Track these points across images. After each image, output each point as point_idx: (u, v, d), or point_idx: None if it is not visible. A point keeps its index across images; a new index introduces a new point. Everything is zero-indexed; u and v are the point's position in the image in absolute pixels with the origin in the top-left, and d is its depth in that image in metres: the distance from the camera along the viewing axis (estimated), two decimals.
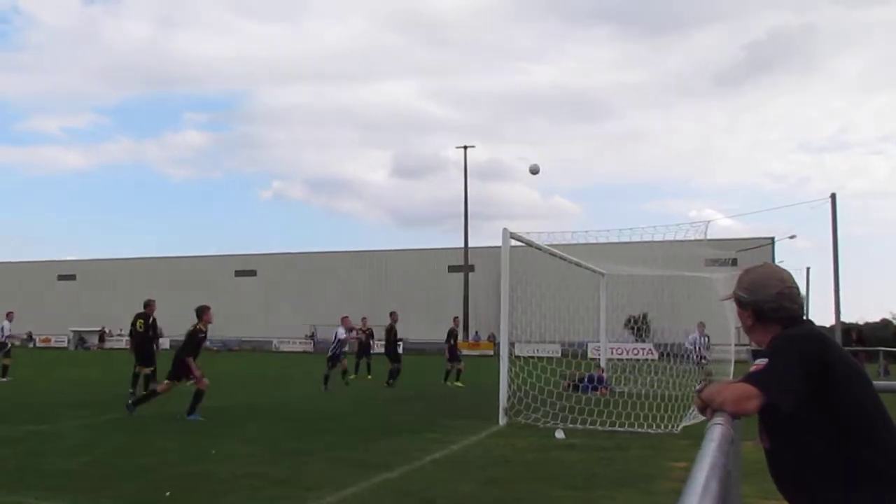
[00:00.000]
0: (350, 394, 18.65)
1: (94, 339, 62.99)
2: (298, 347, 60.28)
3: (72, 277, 79.70)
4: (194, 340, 13.61)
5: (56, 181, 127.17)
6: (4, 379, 20.76)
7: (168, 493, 6.87)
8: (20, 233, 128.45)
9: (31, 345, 65.71)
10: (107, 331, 62.87)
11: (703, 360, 20.28)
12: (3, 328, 22.14)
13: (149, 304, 17.59)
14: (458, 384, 21.12)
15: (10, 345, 22.06)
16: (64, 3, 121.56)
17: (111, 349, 56.99)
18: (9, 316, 22.42)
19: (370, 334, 25.80)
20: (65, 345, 64.73)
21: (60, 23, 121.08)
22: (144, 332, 17.17)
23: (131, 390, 16.84)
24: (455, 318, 25.35)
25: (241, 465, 8.52)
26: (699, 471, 1.33)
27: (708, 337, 20.72)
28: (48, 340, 66.93)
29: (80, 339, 64.64)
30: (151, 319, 17.28)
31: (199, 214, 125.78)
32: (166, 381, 13.41)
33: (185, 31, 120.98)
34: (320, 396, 18.03)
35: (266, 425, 12.32)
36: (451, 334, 23.29)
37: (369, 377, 24.14)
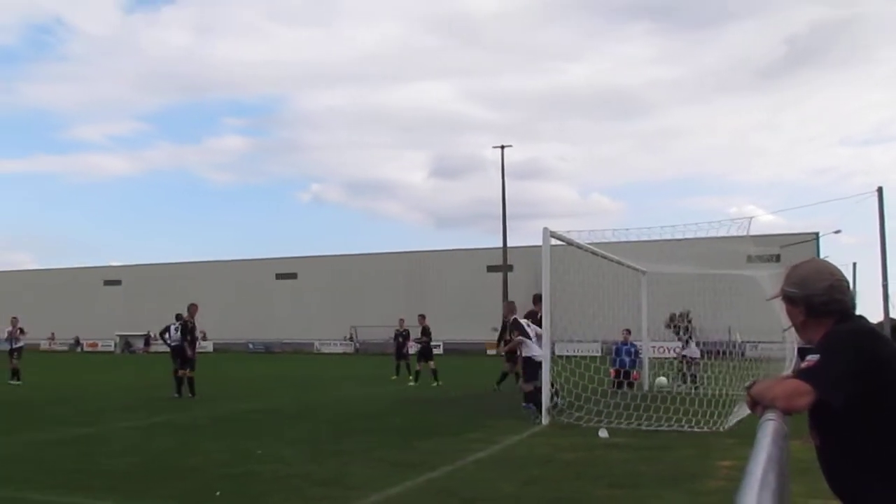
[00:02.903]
0: (391, 394, 18.74)
1: (140, 344, 64.05)
2: (339, 349, 60.70)
3: (117, 283, 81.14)
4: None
5: (100, 188, 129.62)
6: (18, 382, 21.36)
7: (218, 493, 6.97)
8: (67, 239, 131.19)
9: (78, 349, 67.11)
10: (152, 335, 63.88)
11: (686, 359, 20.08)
12: (7, 332, 22.77)
13: (190, 309, 17.86)
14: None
15: (11, 347, 22.60)
16: (104, 14, 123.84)
17: (156, 353, 57.92)
18: (14, 321, 22.89)
19: (407, 335, 25.87)
20: (111, 349, 65.94)
21: (101, 32, 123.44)
22: (185, 336, 17.50)
23: (176, 394, 17.16)
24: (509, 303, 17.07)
25: (286, 465, 8.61)
26: (756, 464, 1.33)
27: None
28: (95, 345, 68.27)
29: (126, 343, 65.81)
30: (191, 324, 17.58)
31: (240, 218, 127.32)
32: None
33: (223, 38, 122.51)
34: (361, 397, 18.14)
35: (309, 426, 12.43)
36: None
37: (410, 377, 24.20)
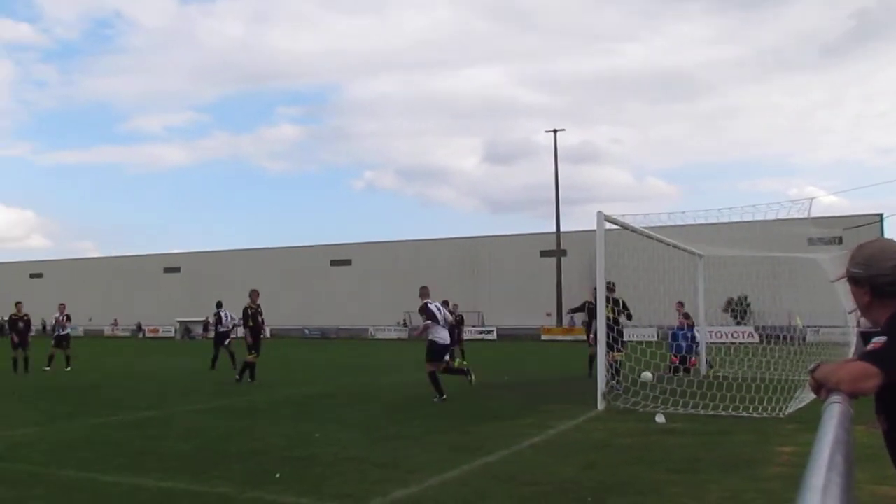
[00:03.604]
0: (446, 380, 18.78)
1: (199, 329, 65.39)
2: (393, 335, 61.13)
3: (176, 270, 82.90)
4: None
5: (160, 177, 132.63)
6: (58, 369, 21.46)
7: (278, 475, 7.12)
8: (128, 228, 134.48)
9: (140, 335, 68.87)
10: (210, 321, 65.23)
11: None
12: (54, 319, 22.85)
13: (252, 295, 18.15)
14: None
15: (56, 334, 22.59)
16: (161, 6, 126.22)
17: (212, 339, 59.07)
18: (61, 308, 22.88)
19: (460, 321, 25.92)
20: (171, 335, 67.48)
21: (158, 25, 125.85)
22: (247, 322, 17.80)
23: (237, 377, 17.52)
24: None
25: (344, 448, 8.74)
26: (822, 446, 1.31)
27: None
28: (156, 331, 69.94)
29: (186, 329, 67.27)
30: (252, 309, 17.85)
31: (295, 206, 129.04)
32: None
33: (276, 28, 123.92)
34: (417, 382, 18.25)
35: (366, 410, 12.58)
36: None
37: (465, 363, 24.26)
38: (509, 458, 8.21)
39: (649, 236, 14.94)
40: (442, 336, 13.83)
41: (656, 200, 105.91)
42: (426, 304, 14.08)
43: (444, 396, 13.47)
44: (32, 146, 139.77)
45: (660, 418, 10.88)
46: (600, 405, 12.17)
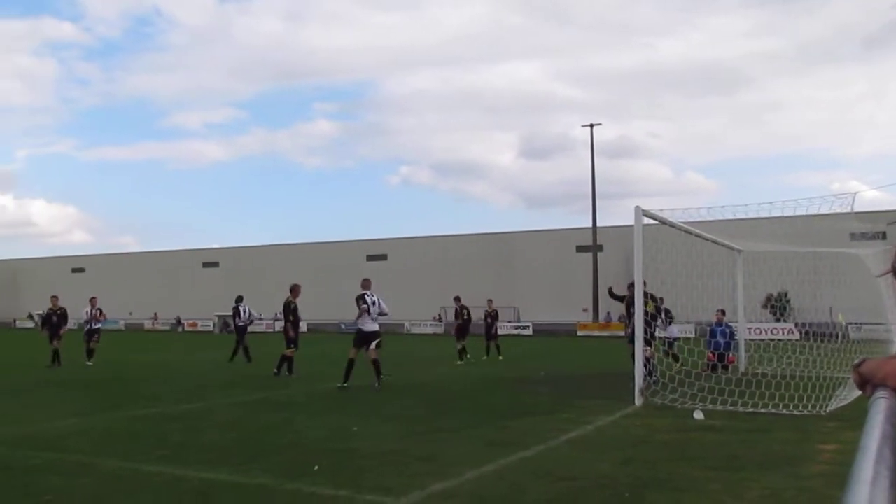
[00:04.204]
0: (481, 374, 18.86)
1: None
2: (429, 330, 61.27)
3: (215, 265, 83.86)
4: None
5: (198, 173, 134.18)
6: (89, 363, 21.50)
7: (316, 468, 7.20)
8: (168, 223, 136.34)
9: (179, 329, 69.84)
10: (258, 315, 65.87)
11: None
12: (85, 313, 22.80)
13: (293, 289, 18.26)
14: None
15: (86, 328, 22.57)
16: (200, 4, 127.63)
17: (253, 333, 59.68)
18: (92, 302, 22.87)
19: (495, 316, 25.93)
20: (210, 329, 68.31)
21: (197, 22, 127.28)
22: (287, 316, 17.99)
23: (275, 370, 17.72)
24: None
25: (383, 442, 8.80)
26: (870, 440, 1.30)
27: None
28: (195, 325, 70.85)
29: (224, 323, 68.01)
30: (290, 303, 18.01)
31: (331, 201, 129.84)
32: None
33: (312, 24, 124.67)
34: (453, 377, 18.32)
35: (403, 404, 12.65)
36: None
37: (500, 358, 24.30)
38: (546, 452, 8.21)
39: (687, 231, 14.80)
40: (367, 325, 14.97)
41: (695, 195, 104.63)
42: (362, 294, 15.15)
43: (346, 385, 14.51)
44: (75, 143, 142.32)
45: (698, 415, 10.79)
46: (637, 401, 12.10)
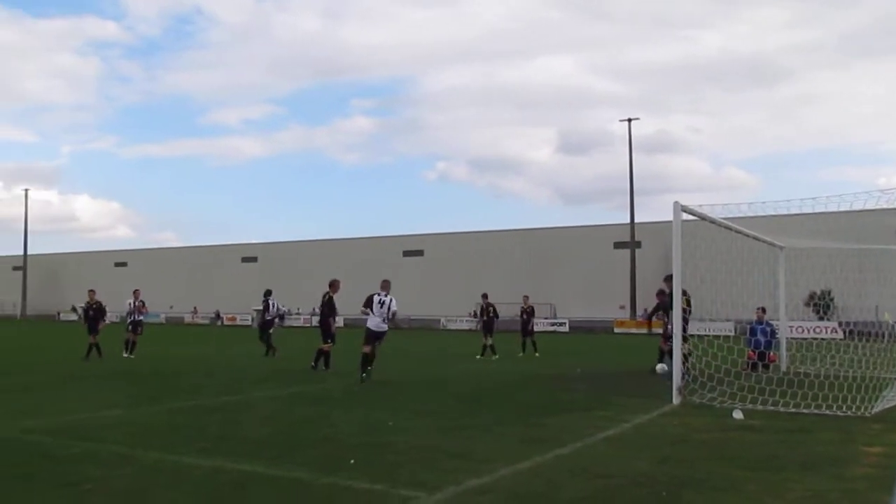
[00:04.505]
0: (517, 370, 18.80)
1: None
2: (465, 325, 61.25)
3: (253, 260, 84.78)
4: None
5: (237, 169, 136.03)
6: (131, 356, 21.57)
7: (352, 462, 7.21)
8: (208, 219, 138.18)
9: (218, 323, 70.70)
10: (286, 310, 66.41)
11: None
12: (128, 305, 22.88)
13: (332, 284, 18.30)
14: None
15: (129, 320, 22.57)
16: (239, 2, 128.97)
17: (290, 327, 60.24)
18: (135, 294, 23.01)
19: (531, 312, 25.85)
20: (248, 323, 69.04)
21: (237, 20, 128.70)
22: (323, 310, 18.06)
23: (312, 364, 17.83)
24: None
25: (417, 436, 8.80)
26: None
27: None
28: (234, 319, 71.67)
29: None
30: (328, 297, 18.07)
31: (368, 197, 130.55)
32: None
33: (350, 21, 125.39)
34: (489, 372, 18.28)
35: (438, 400, 12.65)
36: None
37: (536, 355, 24.21)
38: (582, 450, 8.14)
39: (727, 227, 14.57)
40: (374, 323, 15.67)
41: (735, 190, 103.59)
42: (371, 295, 15.92)
43: (364, 375, 15.15)
44: (117, 139, 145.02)
45: (737, 414, 10.62)
46: (675, 399, 11.95)
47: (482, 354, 23.37)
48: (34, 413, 10.49)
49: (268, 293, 23.65)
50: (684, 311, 14.43)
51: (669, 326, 15.66)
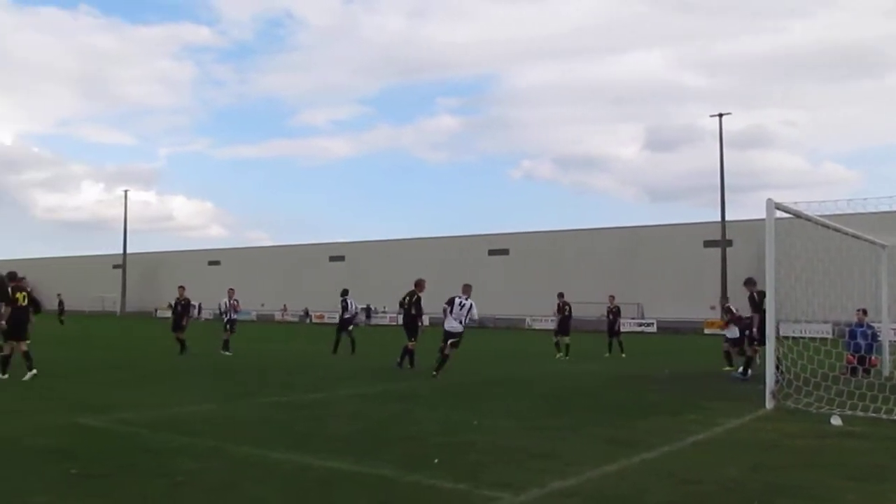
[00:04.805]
0: (603, 371, 18.55)
1: (362, 317, 67.61)
2: (550, 325, 60.75)
3: (341, 258, 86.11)
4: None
5: (326, 169, 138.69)
6: (227, 352, 22.03)
7: (436, 461, 7.24)
8: (296, 218, 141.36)
9: (307, 321, 72.14)
10: (372, 308, 67.31)
11: None
12: (223, 304, 23.48)
13: (418, 283, 18.43)
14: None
15: (226, 318, 23.18)
16: (327, 4, 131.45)
17: (377, 325, 61.06)
18: (230, 292, 23.49)
19: (617, 312, 25.45)
20: (336, 321, 70.19)
21: (325, 22, 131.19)
22: (409, 309, 18.19)
23: (398, 360, 18.01)
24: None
25: (502, 437, 8.77)
26: None
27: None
28: (322, 317, 72.89)
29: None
30: (416, 297, 18.19)
31: (453, 195, 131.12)
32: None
33: (435, 20, 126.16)
34: (574, 373, 18.10)
35: (523, 400, 12.59)
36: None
37: (623, 355, 23.85)
38: (670, 454, 7.97)
39: (825, 225, 14.00)
40: (450, 325, 16.19)
41: (833, 186, 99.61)
42: (454, 297, 16.58)
43: (435, 374, 15.63)
44: (211, 141, 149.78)
45: (835, 420, 10.21)
46: (769, 404, 11.57)
47: (562, 353, 22.99)
48: (134, 406, 10.92)
49: (345, 292, 24.02)
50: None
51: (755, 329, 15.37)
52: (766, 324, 12.57)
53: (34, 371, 14.03)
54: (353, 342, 23.03)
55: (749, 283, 16.51)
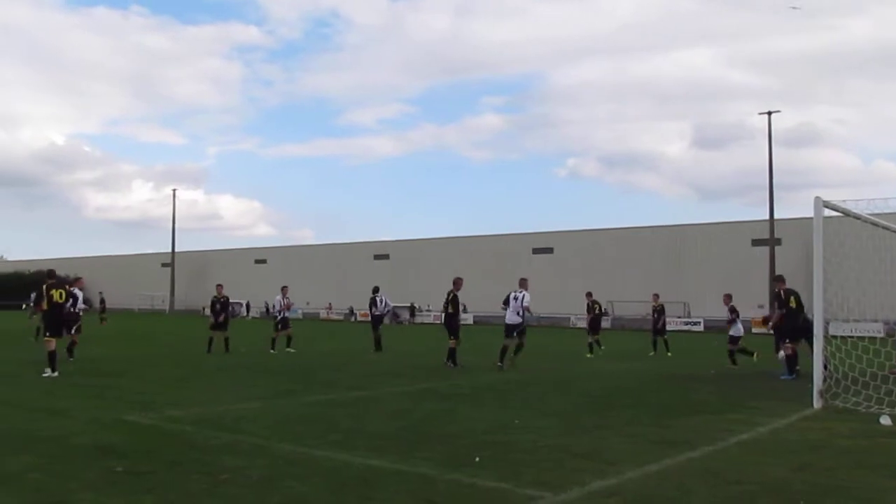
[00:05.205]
0: (647, 370, 18.39)
1: (406, 315, 67.90)
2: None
3: (385, 257, 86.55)
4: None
5: (371, 168, 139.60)
6: (278, 350, 22.29)
7: (477, 459, 7.26)
8: (342, 216, 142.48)
9: (352, 319, 72.66)
10: (416, 306, 67.52)
11: None
12: (277, 302, 23.69)
13: (456, 282, 18.53)
14: None
15: (279, 317, 23.42)
16: (373, 4, 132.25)
17: (421, 324, 61.26)
18: (284, 291, 23.68)
19: (662, 311, 25.22)
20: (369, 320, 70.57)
21: (371, 22, 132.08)
22: (447, 307, 18.30)
23: (445, 360, 18.10)
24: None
25: (543, 436, 8.76)
26: None
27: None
28: (366, 315, 73.29)
29: (394, 314, 70.08)
30: (452, 295, 18.28)
31: (498, 194, 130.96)
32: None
33: (481, 18, 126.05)
34: (618, 372, 17.98)
35: (566, 399, 12.54)
36: None
37: (668, 354, 23.62)
38: (714, 454, 7.88)
39: (875, 223, 13.71)
40: (508, 317, 17.69)
41: (886, 185, 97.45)
42: (509, 293, 17.88)
43: (501, 365, 17.23)
44: (259, 140, 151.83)
45: (885, 420, 10.00)
46: (816, 404, 11.37)
47: (593, 354, 23.18)
48: (180, 404, 11.13)
49: (375, 290, 24.21)
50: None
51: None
52: (815, 323, 12.35)
53: (55, 372, 14.20)
54: (377, 340, 23.15)
55: (777, 279, 16.60)
